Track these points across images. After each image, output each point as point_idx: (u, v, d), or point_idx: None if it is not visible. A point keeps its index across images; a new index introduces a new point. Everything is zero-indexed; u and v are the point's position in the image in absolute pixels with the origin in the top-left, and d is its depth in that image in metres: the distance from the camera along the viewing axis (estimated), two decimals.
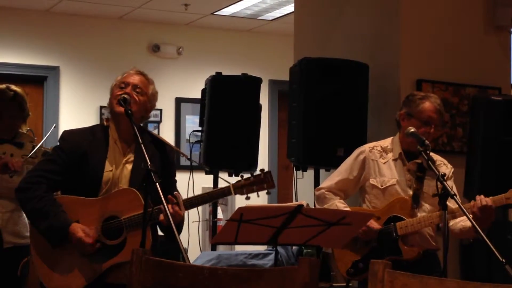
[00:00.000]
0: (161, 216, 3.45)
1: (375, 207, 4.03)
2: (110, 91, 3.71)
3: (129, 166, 3.61)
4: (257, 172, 3.69)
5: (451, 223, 3.93)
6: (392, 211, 3.98)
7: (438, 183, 3.50)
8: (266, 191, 3.66)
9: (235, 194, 3.61)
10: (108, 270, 3.49)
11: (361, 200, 4.17)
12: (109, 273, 3.51)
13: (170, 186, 3.63)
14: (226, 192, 3.60)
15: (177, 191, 3.65)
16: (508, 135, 4.49)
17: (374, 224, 3.93)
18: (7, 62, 7.58)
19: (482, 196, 3.78)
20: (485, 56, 5.32)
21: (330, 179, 4.18)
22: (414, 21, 5.14)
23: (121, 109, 3.55)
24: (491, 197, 3.79)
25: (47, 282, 3.56)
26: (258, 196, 3.65)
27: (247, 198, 3.64)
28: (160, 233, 3.68)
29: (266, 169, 3.69)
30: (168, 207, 3.29)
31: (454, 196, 3.48)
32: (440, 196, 3.51)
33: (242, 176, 3.66)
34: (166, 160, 3.70)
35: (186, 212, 3.60)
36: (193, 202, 3.56)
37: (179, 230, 3.56)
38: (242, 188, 3.61)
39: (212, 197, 3.64)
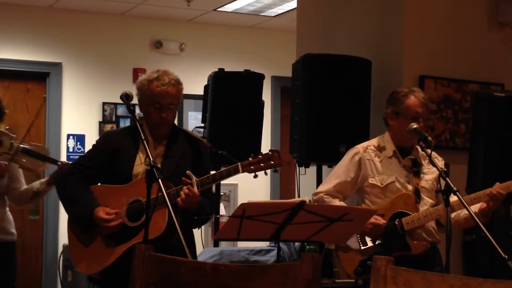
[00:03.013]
0: (179, 201, 3.58)
1: (377, 206, 4.02)
2: (140, 93, 3.81)
3: (160, 160, 3.76)
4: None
5: (453, 214, 3.94)
6: (396, 207, 3.97)
7: (441, 179, 3.50)
8: (273, 169, 3.67)
9: (243, 172, 3.62)
10: (129, 251, 3.55)
11: (360, 201, 4.14)
12: (131, 256, 3.56)
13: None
14: (235, 170, 3.63)
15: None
16: (510, 131, 4.48)
17: (379, 219, 3.92)
18: (9, 59, 7.58)
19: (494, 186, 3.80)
20: (488, 52, 5.31)
21: (328, 182, 4.16)
22: (417, 17, 5.13)
23: (157, 118, 3.75)
24: (499, 184, 3.81)
25: (78, 265, 3.80)
26: (266, 174, 3.66)
27: (255, 176, 3.64)
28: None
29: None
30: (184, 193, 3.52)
31: (457, 192, 3.48)
32: (443, 192, 3.51)
33: (250, 155, 3.67)
34: (198, 156, 3.86)
35: None
36: (204, 182, 3.64)
37: (203, 219, 3.79)
38: (250, 165, 3.62)
39: (222, 176, 3.68)
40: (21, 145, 4.54)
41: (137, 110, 3.84)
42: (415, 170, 4.03)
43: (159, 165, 3.70)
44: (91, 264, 3.73)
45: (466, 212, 3.87)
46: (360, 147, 4.14)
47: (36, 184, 4.69)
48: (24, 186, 4.72)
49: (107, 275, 3.70)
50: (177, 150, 3.78)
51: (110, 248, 3.69)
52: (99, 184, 3.86)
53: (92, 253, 3.73)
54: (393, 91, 4.15)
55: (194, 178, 3.61)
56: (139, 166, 3.76)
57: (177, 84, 3.82)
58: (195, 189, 3.58)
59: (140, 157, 3.78)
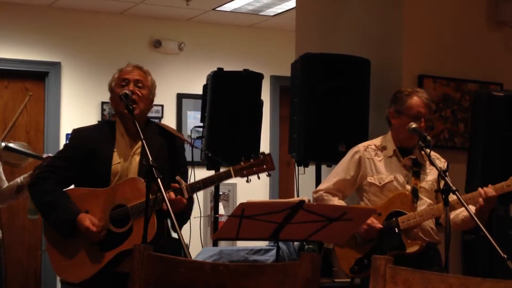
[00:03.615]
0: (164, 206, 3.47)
1: (374, 204, 4.04)
2: (109, 88, 3.78)
3: (137, 158, 3.69)
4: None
5: (452, 215, 3.94)
6: (393, 206, 3.98)
7: (440, 179, 3.51)
8: (266, 173, 3.63)
9: (236, 176, 3.59)
10: (117, 258, 3.55)
11: (359, 199, 4.17)
12: (118, 262, 3.55)
13: (179, 174, 3.69)
14: (227, 175, 3.59)
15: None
16: (509, 130, 4.48)
17: (375, 223, 3.93)
18: (8, 58, 7.57)
19: (484, 188, 3.79)
20: (487, 51, 5.31)
21: (328, 180, 4.19)
22: (416, 16, 5.13)
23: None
24: (492, 186, 3.80)
25: (59, 273, 3.68)
26: (259, 178, 3.62)
27: (248, 181, 3.60)
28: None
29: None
30: (169, 195, 3.41)
31: (456, 192, 3.48)
32: (442, 191, 3.51)
33: (241, 159, 3.62)
34: (174, 150, 3.79)
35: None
36: (195, 187, 3.59)
37: (185, 218, 3.70)
38: (242, 170, 3.58)
39: (213, 181, 3.64)
40: (3, 143, 4.56)
41: (107, 109, 3.77)
42: (416, 170, 4.03)
43: (136, 163, 3.66)
44: (75, 271, 3.61)
45: (464, 214, 3.88)
46: (361, 146, 4.16)
47: (20, 178, 4.67)
48: (6, 183, 4.72)
49: (90, 283, 3.60)
50: (153, 147, 3.59)
51: (95, 255, 3.58)
52: (73, 185, 3.75)
53: (75, 261, 3.61)
54: (396, 91, 4.17)
55: (183, 184, 3.55)
56: (117, 165, 3.66)
57: (147, 72, 3.83)
58: (185, 195, 3.53)
59: (117, 155, 3.69)
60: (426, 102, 4.03)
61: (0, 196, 4.72)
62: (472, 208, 3.73)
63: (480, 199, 3.77)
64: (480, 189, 3.81)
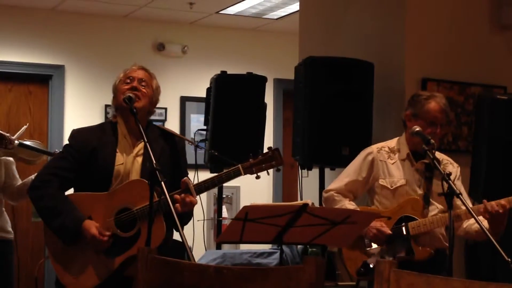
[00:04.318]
0: (178, 207, 3.46)
1: (385, 207, 4.02)
2: (113, 89, 3.77)
3: (139, 159, 3.64)
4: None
5: (465, 224, 3.93)
6: (404, 211, 3.96)
7: (444, 182, 3.49)
8: (275, 168, 3.60)
9: (245, 174, 3.55)
10: (124, 263, 3.50)
11: (369, 201, 4.15)
12: (125, 266, 3.51)
13: (181, 176, 3.65)
14: (236, 172, 3.55)
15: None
16: None
17: (385, 228, 3.91)
18: (12, 61, 7.58)
19: (493, 202, 3.75)
20: (490, 55, 5.31)
21: (339, 180, 4.14)
22: (420, 20, 5.13)
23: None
24: (506, 199, 3.77)
25: (64, 280, 3.57)
26: (268, 174, 3.59)
27: (257, 177, 3.56)
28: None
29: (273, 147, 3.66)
30: (181, 197, 3.43)
31: (460, 195, 3.46)
32: (446, 195, 3.49)
33: (249, 156, 3.59)
34: (175, 151, 3.75)
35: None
36: (202, 187, 3.55)
37: (188, 219, 3.65)
38: (251, 167, 3.55)
39: (222, 180, 3.59)
40: (17, 140, 4.59)
41: (111, 112, 3.73)
42: (428, 174, 4.01)
43: (138, 165, 3.61)
44: (83, 280, 3.52)
45: (477, 225, 3.84)
46: (374, 147, 4.14)
47: (33, 176, 4.68)
48: (19, 181, 4.74)
49: None
50: (156, 149, 3.51)
51: (103, 262, 3.51)
52: (73, 187, 3.68)
53: (82, 268, 3.52)
54: (414, 93, 4.14)
55: (191, 184, 3.52)
56: (120, 166, 3.59)
57: (153, 75, 3.80)
58: (194, 195, 3.50)
59: (119, 156, 3.62)
60: (443, 108, 3.99)
61: (13, 194, 4.74)
62: (484, 221, 3.70)
63: (485, 212, 3.73)
64: (487, 202, 3.76)
